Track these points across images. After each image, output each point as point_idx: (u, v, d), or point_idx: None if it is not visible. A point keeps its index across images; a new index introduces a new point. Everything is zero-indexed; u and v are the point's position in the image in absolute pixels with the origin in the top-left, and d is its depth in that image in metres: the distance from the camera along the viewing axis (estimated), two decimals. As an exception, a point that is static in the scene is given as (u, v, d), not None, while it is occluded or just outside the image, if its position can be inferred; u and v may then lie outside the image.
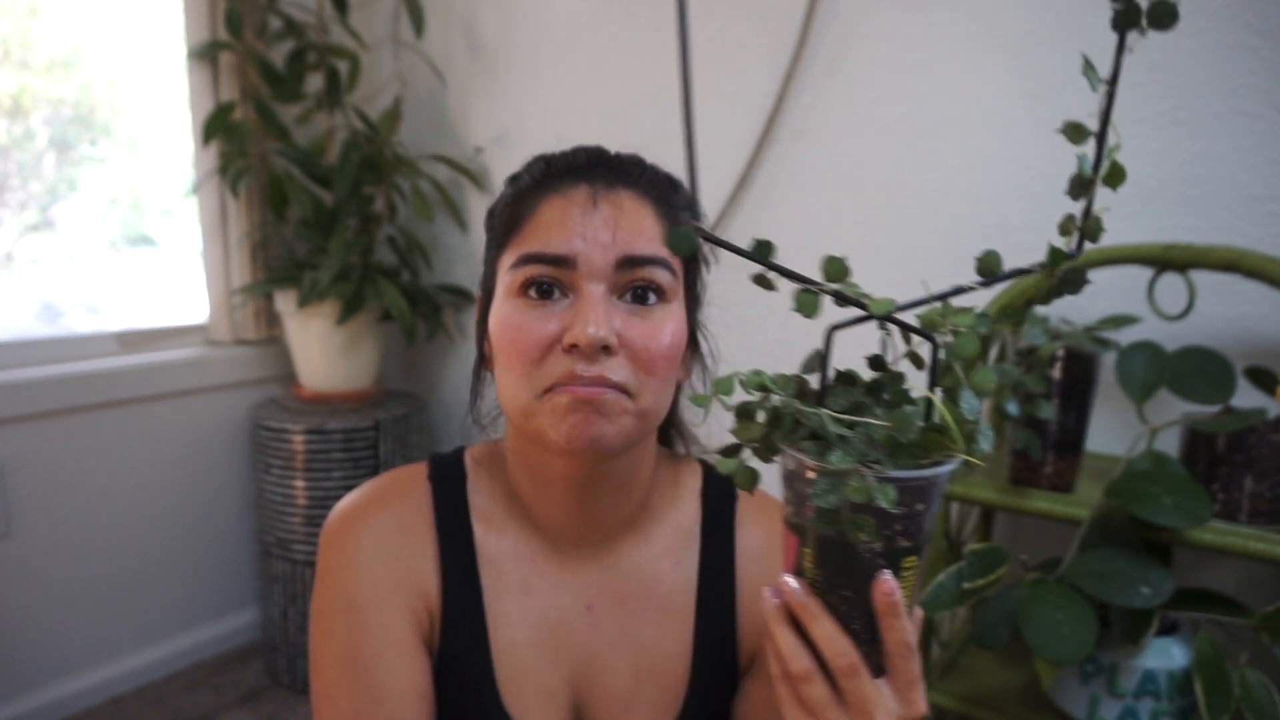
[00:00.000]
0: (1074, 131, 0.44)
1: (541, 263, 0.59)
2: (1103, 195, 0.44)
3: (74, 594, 1.69)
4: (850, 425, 0.46)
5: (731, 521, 0.72)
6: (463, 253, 1.92)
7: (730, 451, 0.50)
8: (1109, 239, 1.25)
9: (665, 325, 0.60)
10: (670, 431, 0.77)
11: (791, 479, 0.48)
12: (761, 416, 0.48)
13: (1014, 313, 0.54)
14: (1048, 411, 1.00)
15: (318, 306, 1.71)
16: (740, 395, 0.49)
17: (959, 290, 0.46)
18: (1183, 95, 1.11)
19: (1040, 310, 1.12)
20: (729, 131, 1.49)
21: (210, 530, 1.92)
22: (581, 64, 1.66)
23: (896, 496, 0.44)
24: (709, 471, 0.75)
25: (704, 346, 0.73)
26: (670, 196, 0.65)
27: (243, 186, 1.72)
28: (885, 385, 0.50)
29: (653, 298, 0.61)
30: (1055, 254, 0.45)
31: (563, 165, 0.64)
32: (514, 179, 0.67)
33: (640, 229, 0.61)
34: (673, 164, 0.68)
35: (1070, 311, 1.19)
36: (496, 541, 0.69)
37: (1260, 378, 1.00)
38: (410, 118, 1.90)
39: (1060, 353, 1.06)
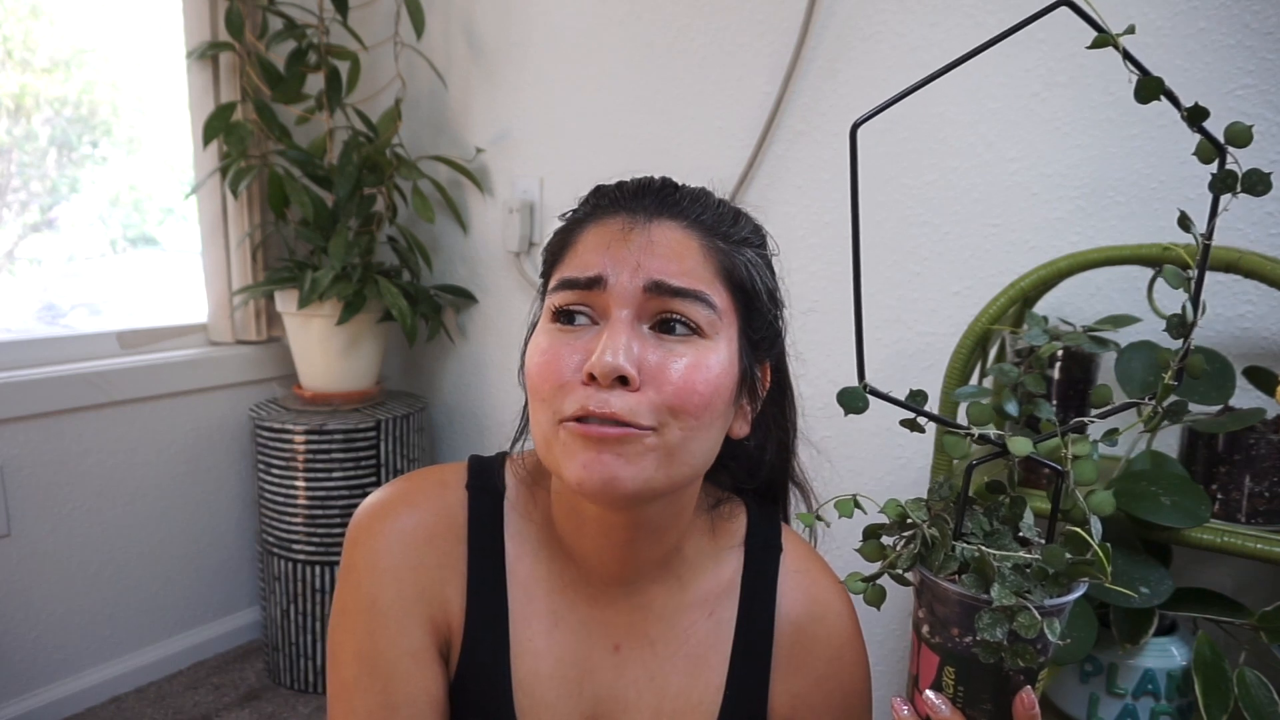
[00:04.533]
0: (1173, 276, 0.49)
1: (573, 288, 0.58)
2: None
3: (74, 594, 1.69)
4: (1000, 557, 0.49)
5: (774, 576, 0.70)
6: (463, 253, 1.93)
7: (872, 577, 0.53)
8: (1107, 239, 1.26)
9: (699, 360, 0.57)
10: (779, 487, 0.76)
11: (933, 604, 0.51)
12: (901, 542, 0.52)
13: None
14: (1047, 411, 1.00)
15: (318, 307, 1.71)
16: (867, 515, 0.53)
17: (1081, 422, 0.49)
18: (1182, 95, 1.11)
19: (1039, 310, 1.13)
20: (729, 131, 1.49)
21: (210, 530, 1.92)
22: (581, 64, 1.66)
23: (1060, 628, 0.47)
24: (754, 518, 0.73)
25: (789, 404, 0.71)
26: (725, 229, 0.61)
27: (243, 187, 1.72)
28: (1003, 508, 0.53)
29: (681, 329, 0.57)
30: (1165, 389, 0.49)
31: (610, 196, 0.62)
32: (570, 212, 0.65)
33: (676, 257, 0.57)
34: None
35: (1069, 311, 1.19)
36: (530, 566, 0.67)
37: (1259, 378, 1.00)
38: (410, 118, 1.90)
39: (1059, 353, 1.06)
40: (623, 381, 0.54)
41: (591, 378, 0.55)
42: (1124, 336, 1.07)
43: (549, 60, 1.71)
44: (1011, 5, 1.21)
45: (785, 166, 1.45)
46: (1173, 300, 1.07)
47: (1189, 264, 1.00)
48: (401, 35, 1.79)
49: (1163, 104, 1.21)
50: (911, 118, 1.31)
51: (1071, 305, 1.19)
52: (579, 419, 0.55)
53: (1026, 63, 1.20)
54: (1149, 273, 1.05)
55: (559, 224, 0.66)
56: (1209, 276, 1.05)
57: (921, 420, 0.51)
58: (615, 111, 1.63)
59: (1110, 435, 0.50)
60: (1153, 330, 1.08)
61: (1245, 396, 1.01)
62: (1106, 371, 1.09)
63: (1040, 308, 1.14)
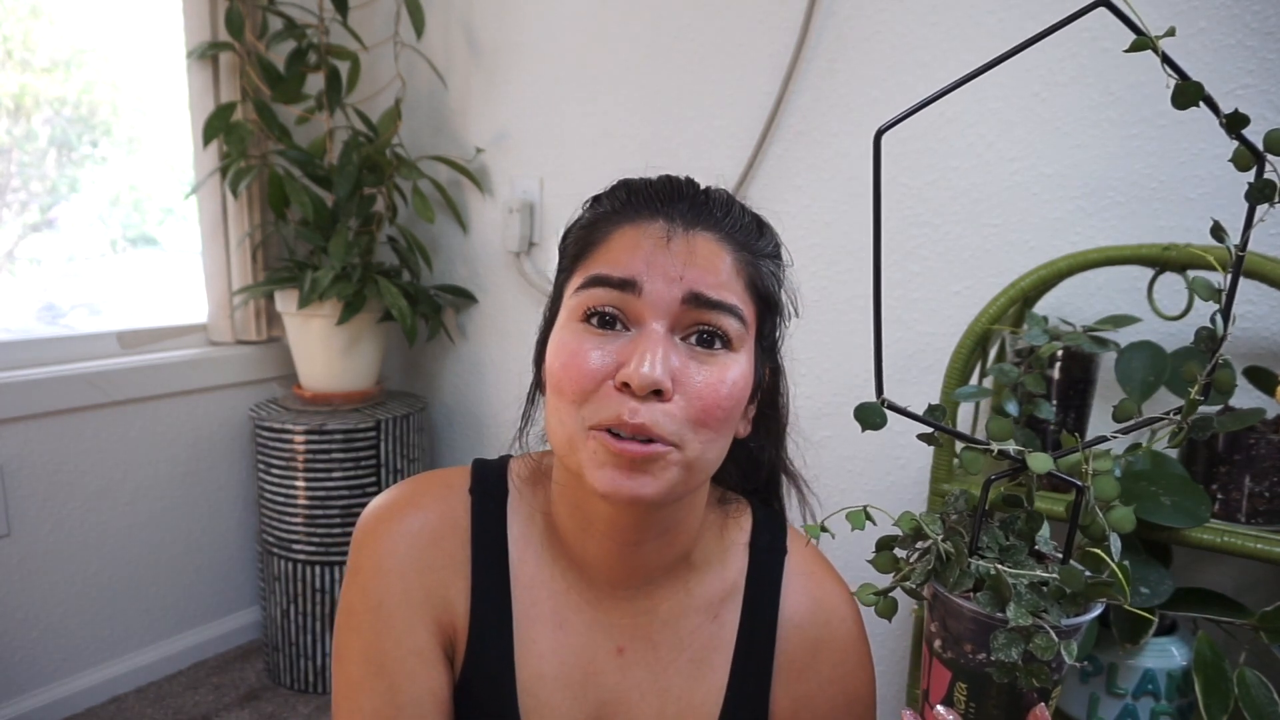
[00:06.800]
0: (1203, 288, 0.47)
1: (607, 286, 0.57)
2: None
3: (74, 594, 1.69)
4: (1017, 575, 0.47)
5: (779, 578, 0.70)
6: (463, 253, 1.93)
7: (885, 590, 0.52)
8: (1107, 238, 1.26)
9: (726, 374, 0.57)
10: (775, 482, 0.76)
11: (946, 620, 0.50)
12: (915, 556, 0.51)
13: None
14: (1047, 411, 1.00)
15: (318, 307, 1.71)
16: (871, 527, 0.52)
17: (1102, 439, 0.48)
18: (1182, 95, 1.11)
19: (1039, 310, 1.13)
20: (729, 131, 1.49)
21: (210, 530, 1.92)
22: (581, 64, 1.66)
23: (1076, 648, 0.45)
24: (759, 520, 0.73)
25: (783, 401, 0.71)
26: (753, 243, 0.62)
27: (243, 187, 1.72)
28: (1020, 521, 0.52)
29: (718, 344, 0.58)
30: (1191, 404, 0.47)
31: (643, 196, 0.62)
32: (594, 202, 0.65)
33: (713, 270, 0.58)
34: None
35: (1070, 311, 1.19)
36: (533, 569, 0.68)
37: (1260, 378, 1.00)
38: (410, 118, 1.90)
39: (1059, 353, 1.06)
40: (656, 393, 0.55)
41: (625, 386, 0.55)
42: (1124, 336, 1.07)
43: (549, 60, 1.71)
44: (1011, 4, 1.21)
45: (785, 166, 1.45)
46: (1173, 301, 1.07)
47: (1189, 264, 1.00)
48: (401, 35, 1.79)
49: (1163, 104, 1.21)
50: (912, 118, 1.31)
51: (1071, 305, 1.19)
52: (611, 429, 0.55)
53: (1027, 63, 1.20)
54: (1149, 273, 1.06)
55: (583, 212, 0.65)
56: (1209, 277, 1.05)
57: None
58: (615, 111, 1.63)
59: (1133, 450, 0.50)
60: (1153, 330, 1.08)
61: (1245, 396, 1.01)
62: (1106, 371, 1.09)
63: (1040, 308, 1.14)
